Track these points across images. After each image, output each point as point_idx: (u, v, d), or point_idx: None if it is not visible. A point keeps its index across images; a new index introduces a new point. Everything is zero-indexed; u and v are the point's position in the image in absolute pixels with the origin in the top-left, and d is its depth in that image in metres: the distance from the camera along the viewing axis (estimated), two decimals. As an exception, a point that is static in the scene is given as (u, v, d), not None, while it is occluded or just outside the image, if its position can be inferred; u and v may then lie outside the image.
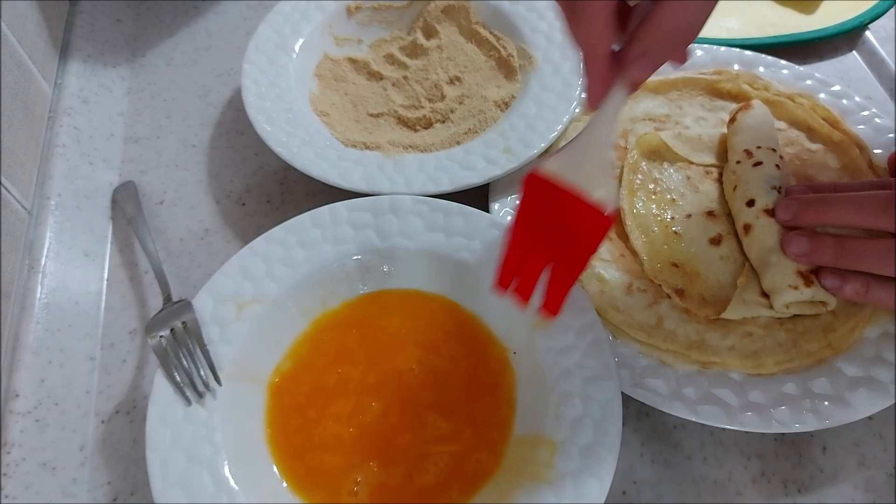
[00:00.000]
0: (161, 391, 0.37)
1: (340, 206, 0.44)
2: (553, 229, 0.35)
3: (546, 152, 0.50)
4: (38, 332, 0.42)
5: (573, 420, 0.36)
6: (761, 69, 0.54)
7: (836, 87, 0.53)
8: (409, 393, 0.39)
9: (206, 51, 0.60)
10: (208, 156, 0.53)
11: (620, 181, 0.48)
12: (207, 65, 0.59)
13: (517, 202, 0.36)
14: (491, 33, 0.57)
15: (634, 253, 0.45)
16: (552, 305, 0.36)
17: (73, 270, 0.46)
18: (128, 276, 0.47)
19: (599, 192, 0.33)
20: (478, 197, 0.47)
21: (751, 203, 0.44)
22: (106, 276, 0.47)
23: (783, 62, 0.55)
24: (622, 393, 0.37)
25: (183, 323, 0.40)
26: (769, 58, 0.55)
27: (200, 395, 0.37)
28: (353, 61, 0.57)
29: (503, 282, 0.37)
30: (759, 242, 0.42)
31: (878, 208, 0.38)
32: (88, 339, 0.44)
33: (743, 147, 0.47)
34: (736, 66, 0.55)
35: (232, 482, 0.35)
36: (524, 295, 0.36)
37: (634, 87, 0.33)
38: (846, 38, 0.61)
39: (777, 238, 0.41)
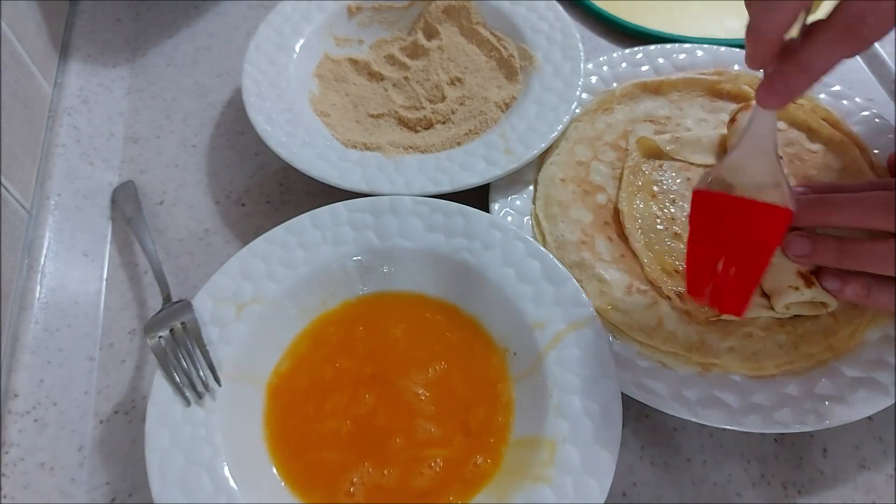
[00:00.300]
0: (160, 391, 0.37)
1: (340, 207, 0.44)
2: (730, 235, 0.37)
3: (546, 153, 0.50)
4: (37, 332, 0.42)
5: (573, 421, 0.36)
6: (761, 70, 0.54)
7: (837, 88, 0.53)
8: (405, 397, 0.39)
9: (207, 51, 0.60)
10: (208, 156, 0.53)
11: (621, 182, 0.48)
12: (208, 65, 0.59)
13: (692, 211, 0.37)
14: (492, 34, 0.57)
15: (635, 254, 0.45)
16: (738, 305, 0.38)
17: (73, 270, 0.46)
18: (127, 276, 0.47)
19: (772, 193, 0.36)
20: (478, 197, 0.47)
21: None
22: (105, 276, 0.47)
23: (784, 63, 0.55)
24: (622, 394, 0.37)
25: (182, 323, 0.40)
26: (770, 59, 0.55)
27: (200, 396, 0.37)
28: (353, 62, 0.57)
29: (697, 291, 0.38)
30: None
31: (878, 209, 0.38)
32: (87, 339, 0.44)
33: None
34: (736, 67, 0.55)
35: (231, 482, 0.35)
36: (729, 305, 0.38)
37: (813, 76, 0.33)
38: (847, 39, 0.61)
39: None
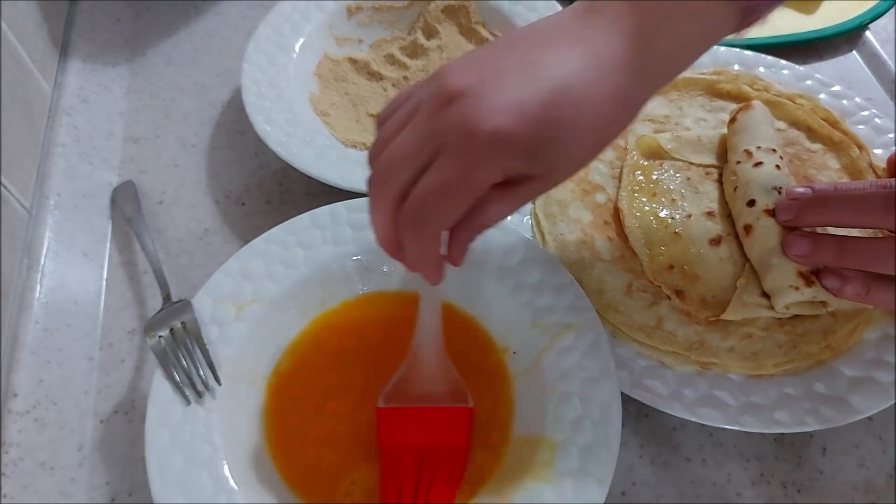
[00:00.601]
0: (160, 391, 0.37)
1: (340, 207, 0.44)
2: (423, 444, 0.37)
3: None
4: (36, 332, 0.42)
5: (573, 420, 0.36)
6: (761, 69, 0.54)
7: (837, 88, 0.53)
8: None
9: (206, 50, 0.60)
10: (208, 156, 0.53)
11: (620, 181, 0.48)
12: (207, 65, 0.59)
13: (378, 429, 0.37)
14: (491, 33, 0.57)
15: (634, 254, 0.45)
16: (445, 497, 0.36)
17: (72, 270, 0.46)
18: (127, 275, 0.47)
19: (448, 388, 0.37)
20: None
21: (751, 203, 0.43)
22: (105, 275, 0.47)
23: (783, 62, 0.55)
24: (622, 394, 0.37)
25: (182, 323, 0.40)
26: (769, 58, 0.55)
27: (199, 395, 0.37)
28: (353, 61, 0.57)
29: (391, 496, 0.36)
30: (760, 243, 0.42)
31: (878, 208, 0.38)
32: (87, 338, 0.44)
33: (743, 147, 0.47)
34: (736, 67, 0.55)
35: (231, 482, 0.35)
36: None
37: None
38: (846, 38, 0.61)
39: (778, 239, 0.41)
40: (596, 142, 0.30)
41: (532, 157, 0.28)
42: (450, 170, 0.28)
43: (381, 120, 0.32)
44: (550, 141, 0.28)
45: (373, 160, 0.31)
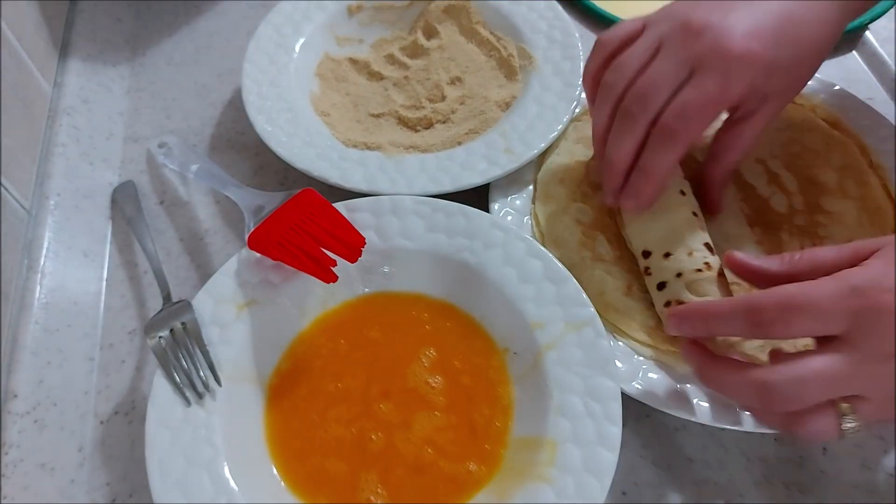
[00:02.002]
0: (160, 392, 0.37)
1: (341, 207, 0.44)
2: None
3: (546, 152, 0.50)
4: (36, 333, 0.42)
5: (574, 421, 0.36)
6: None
7: (837, 88, 0.53)
8: (406, 398, 0.39)
9: (207, 50, 0.60)
10: (208, 156, 0.53)
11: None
12: (208, 64, 0.59)
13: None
14: (491, 33, 0.57)
15: (634, 254, 0.45)
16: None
17: (73, 270, 0.45)
18: (127, 276, 0.47)
19: None
20: (477, 197, 0.47)
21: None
22: (105, 276, 0.47)
23: (784, 63, 0.55)
24: (622, 394, 0.37)
25: (182, 323, 0.40)
26: (770, 58, 0.55)
27: (200, 396, 0.37)
28: (354, 61, 0.57)
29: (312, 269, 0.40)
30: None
31: (836, 314, 0.30)
32: (87, 339, 0.44)
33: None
34: (737, 67, 0.54)
35: (231, 483, 0.35)
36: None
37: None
38: (846, 38, 0.61)
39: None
40: (817, 56, 0.39)
41: (772, 73, 0.36)
42: (709, 84, 0.36)
43: (610, 51, 0.41)
44: (785, 59, 0.36)
45: (614, 86, 0.39)
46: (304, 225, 0.41)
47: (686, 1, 0.39)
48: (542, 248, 0.42)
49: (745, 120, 0.40)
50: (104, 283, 0.46)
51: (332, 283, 0.42)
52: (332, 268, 0.40)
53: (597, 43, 0.42)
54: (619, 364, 0.39)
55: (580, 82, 0.51)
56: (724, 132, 0.42)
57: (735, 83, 0.36)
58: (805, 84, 0.40)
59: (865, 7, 0.41)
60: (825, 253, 0.33)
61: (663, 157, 0.38)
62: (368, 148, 0.50)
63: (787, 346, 0.38)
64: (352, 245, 0.41)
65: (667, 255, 0.40)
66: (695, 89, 0.36)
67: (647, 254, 0.42)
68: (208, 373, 0.38)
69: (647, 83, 0.37)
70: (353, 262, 0.41)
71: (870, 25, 0.61)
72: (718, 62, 0.35)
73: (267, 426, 0.38)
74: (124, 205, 0.49)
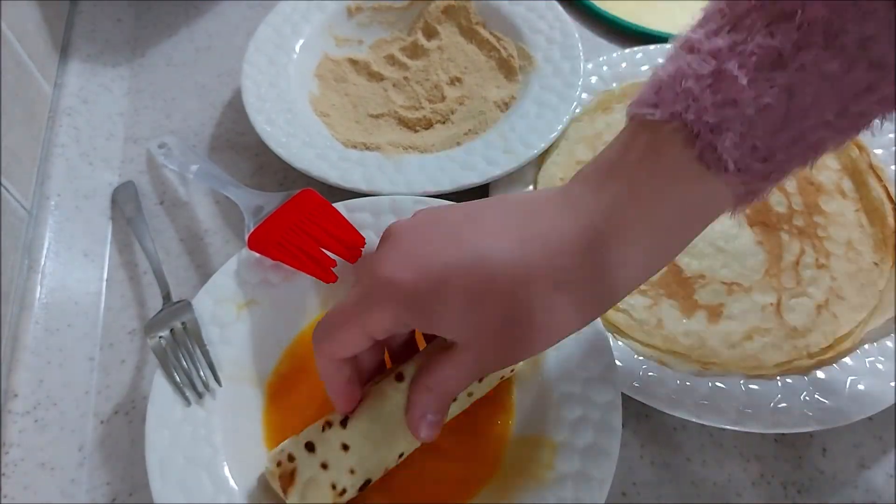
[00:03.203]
0: (160, 392, 0.37)
1: (340, 207, 0.44)
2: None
3: (546, 153, 0.50)
4: (37, 332, 0.42)
5: (573, 421, 0.36)
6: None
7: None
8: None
9: (207, 51, 0.60)
10: (208, 156, 0.53)
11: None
12: (208, 65, 0.59)
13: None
14: (491, 34, 0.57)
15: None
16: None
17: (73, 270, 0.46)
18: (127, 276, 0.47)
19: None
20: (478, 197, 0.47)
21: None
22: (105, 276, 0.47)
23: (783, 63, 0.55)
24: (622, 394, 0.37)
25: (182, 323, 0.40)
26: (769, 59, 0.55)
27: (200, 396, 0.37)
28: (353, 62, 0.57)
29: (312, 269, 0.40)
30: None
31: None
32: (88, 339, 0.44)
33: None
34: (736, 67, 0.55)
35: (231, 482, 0.35)
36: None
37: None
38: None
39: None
40: (513, 326, 0.28)
41: (417, 312, 0.28)
42: (352, 299, 0.30)
43: None
44: (438, 300, 0.27)
45: None
46: (303, 225, 0.41)
47: (411, 219, 0.31)
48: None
49: (437, 360, 0.30)
50: (104, 283, 0.46)
51: (332, 284, 0.42)
52: (331, 268, 0.40)
53: None
54: (618, 364, 0.39)
55: (580, 82, 0.51)
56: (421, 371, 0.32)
57: (374, 308, 0.29)
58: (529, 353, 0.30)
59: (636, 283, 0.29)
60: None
61: (319, 365, 0.32)
62: (368, 148, 0.50)
63: None
64: (351, 245, 0.41)
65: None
66: (341, 301, 0.31)
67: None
68: (208, 372, 0.38)
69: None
70: (353, 263, 0.41)
71: (869, 26, 0.61)
72: (365, 280, 0.30)
73: (266, 426, 0.38)
74: (124, 205, 0.49)
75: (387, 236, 0.31)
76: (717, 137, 0.25)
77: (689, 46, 0.27)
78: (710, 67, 0.26)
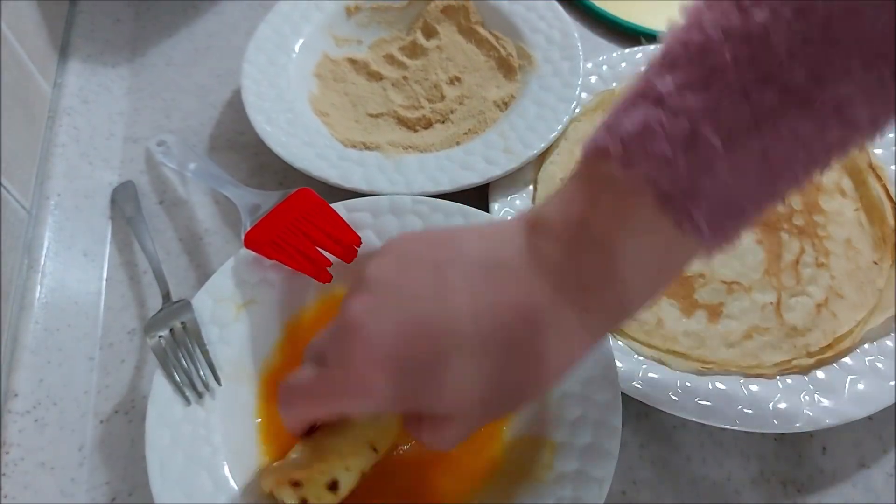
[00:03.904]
0: (160, 391, 0.37)
1: (340, 206, 0.44)
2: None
3: (546, 152, 0.50)
4: (37, 332, 0.42)
5: (573, 421, 0.36)
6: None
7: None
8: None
9: (206, 51, 0.60)
10: (208, 156, 0.53)
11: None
12: (207, 65, 0.59)
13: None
14: (490, 33, 0.57)
15: None
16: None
17: (73, 270, 0.46)
18: (127, 276, 0.47)
19: None
20: (478, 197, 0.47)
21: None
22: (105, 275, 0.47)
23: (783, 62, 0.55)
24: (622, 393, 0.37)
25: (182, 323, 0.40)
26: (769, 58, 0.55)
27: (200, 396, 0.37)
28: (352, 61, 0.57)
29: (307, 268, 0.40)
30: None
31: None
32: (87, 338, 0.44)
33: None
34: (736, 67, 0.55)
35: (231, 482, 0.35)
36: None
37: None
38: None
39: None
40: (482, 388, 0.28)
41: (405, 403, 0.29)
42: (323, 380, 0.30)
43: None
44: (423, 388, 0.28)
45: None
46: (299, 224, 0.41)
47: (366, 283, 0.30)
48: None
49: (424, 427, 0.30)
50: (104, 282, 0.46)
51: (331, 283, 0.42)
52: (328, 268, 0.40)
53: None
54: (618, 364, 0.39)
55: (580, 82, 0.51)
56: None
57: (351, 403, 0.29)
58: (495, 407, 0.29)
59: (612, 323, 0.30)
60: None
61: (285, 420, 0.33)
62: (367, 148, 0.50)
63: None
64: (348, 244, 0.41)
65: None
66: (312, 377, 0.30)
67: None
68: (208, 372, 0.38)
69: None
70: (348, 262, 0.41)
71: (868, 25, 0.61)
72: (337, 374, 0.29)
73: (266, 426, 0.38)
74: (124, 205, 0.49)
75: (362, 282, 0.30)
76: (693, 204, 0.25)
77: (657, 97, 0.25)
78: (683, 130, 0.25)
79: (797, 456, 0.40)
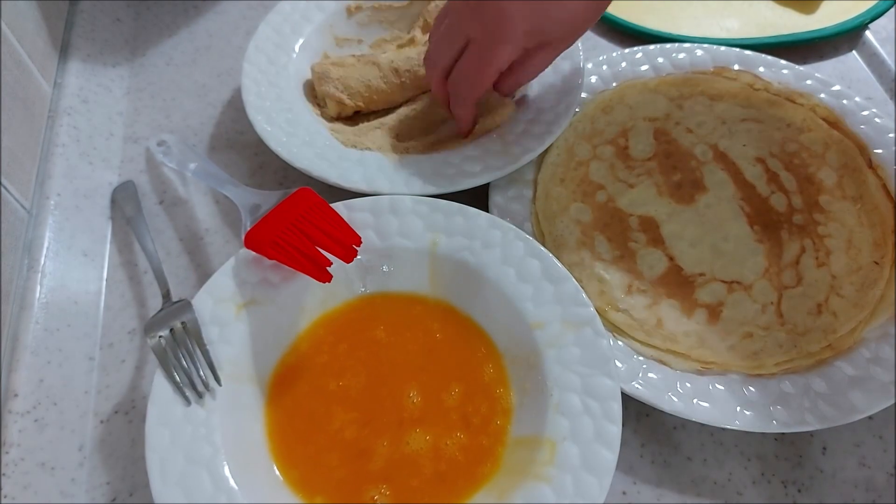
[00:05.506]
0: (160, 391, 0.37)
1: (340, 206, 0.44)
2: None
3: (546, 152, 0.50)
4: (37, 332, 0.42)
5: (573, 420, 0.36)
6: (761, 69, 0.54)
7: (837, 88, 0.53)
8: (406, 399, 0.39)
9: (206, 50, 0.60)
10: (208, 156, 0.53)
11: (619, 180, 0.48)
12: (207, 64, 0.59)
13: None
14: (491, 33, 0.57)
15: (634, 253, 0.45)
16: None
17: (73, 270, 0.46)
18: (127, 275, 0.47)
19: None
20: (478, 197, 0.47)
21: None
22: (105, 275, 0.47)
23: (783, 62, 0.55)
24: (622, 393, 0.37)
25: (182, 323, 0.40)
26: (769, 58, 0.55)
27: (200, 396, 0.37)
28: (352, 61, 0.57)
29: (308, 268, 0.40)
30: None
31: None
32: (87, 338, 0.44)
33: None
34: (736, 66, 0.55)
35: (231, 482, 0.35)
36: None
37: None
38: (846, 38, 0.61)
39: None
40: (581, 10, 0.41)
41: (537, 34, 0.42)
42: (474, 56, 0.43)
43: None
44: (544, 27, 0.41)
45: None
46: (299, 224, 0.41)
47: None
48: (542, 247, 0.42)
49: (523, 62, 0.44)
50: (104, 282, 0.46)
51: (331, 283, 0.42)
52: (327, 268, 0.40)
53: None
54: (618, 364, 0.40)
55: (580, 82, 0.51)
56: (515, 63, 0.44)
57: (497, 55, 0.42)
58: (584, 29, 0.43)
59: None
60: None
61: (458, 110, 0.47)
62: (367, 148, 0.50)
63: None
64: (347, 244, 0.41)
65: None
66: (465, 60, 0.43)
67: None
68: (208, 372, 0.38)
69: (431, 50, 0.47)
70: (348, 262, 0.41)
71: (870, 25, 0.61)
72: (483, 37, 0.41)
73: (267, 425, 0.38)
74: (124, 205, 0.49)
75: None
76: None
77: None
78: None
79: (798, 456, 0.40)
